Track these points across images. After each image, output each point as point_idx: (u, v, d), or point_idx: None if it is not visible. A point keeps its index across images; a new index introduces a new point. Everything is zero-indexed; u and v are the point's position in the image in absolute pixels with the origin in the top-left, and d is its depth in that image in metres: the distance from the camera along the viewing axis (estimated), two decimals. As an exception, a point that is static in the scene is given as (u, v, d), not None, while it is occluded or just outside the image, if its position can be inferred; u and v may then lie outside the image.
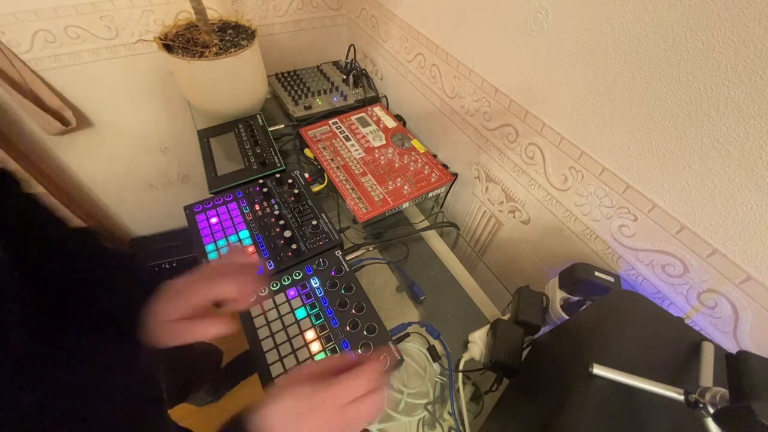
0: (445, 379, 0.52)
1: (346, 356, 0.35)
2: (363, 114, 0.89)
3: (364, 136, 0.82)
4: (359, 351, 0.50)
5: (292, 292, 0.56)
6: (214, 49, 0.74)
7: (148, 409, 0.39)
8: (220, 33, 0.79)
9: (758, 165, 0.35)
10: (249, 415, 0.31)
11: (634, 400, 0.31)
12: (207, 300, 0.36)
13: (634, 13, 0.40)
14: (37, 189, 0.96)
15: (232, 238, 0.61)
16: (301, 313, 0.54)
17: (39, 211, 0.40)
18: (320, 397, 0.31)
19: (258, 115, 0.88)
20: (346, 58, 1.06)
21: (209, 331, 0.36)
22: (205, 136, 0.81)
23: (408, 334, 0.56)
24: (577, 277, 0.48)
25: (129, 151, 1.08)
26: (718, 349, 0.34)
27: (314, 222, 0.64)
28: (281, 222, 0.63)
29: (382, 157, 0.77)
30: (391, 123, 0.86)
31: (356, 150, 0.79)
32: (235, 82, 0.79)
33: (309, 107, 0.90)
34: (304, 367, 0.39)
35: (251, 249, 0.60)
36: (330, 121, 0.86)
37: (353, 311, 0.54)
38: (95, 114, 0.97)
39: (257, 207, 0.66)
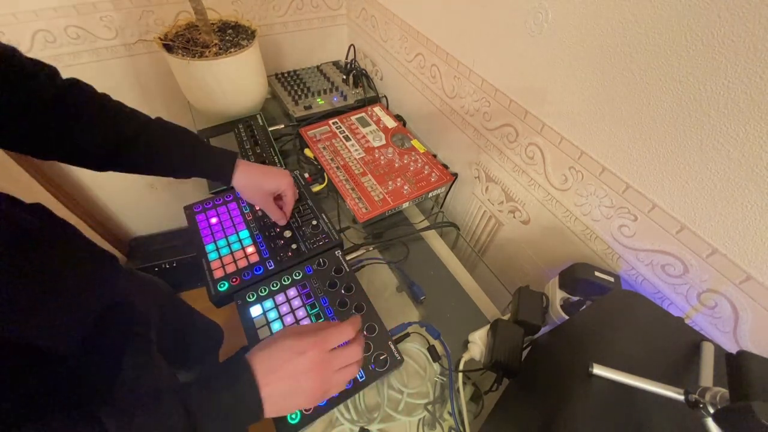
0: (445, 379, 0.52)
1: (326, 321, 0.41)
2: (363, 114, 0.89)
3: (364, 136, 0.82)
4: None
5: (292, 292, 0.56)
6: (214, 49, 0.74)
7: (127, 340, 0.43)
8: (220, 33, 0.79)
9: (758, 165, 0.35)
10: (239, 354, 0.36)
11: (634, 400, 0.31)
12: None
13: (633, 13, 0.40)
14: (38, 189, 0.96)
15: (232, 238, 0.61)
16: (301, 313, 0.54)
17: None
18: (305, 343, 0.36)
19: (258, 115, 0.88)
20: (346, 58, 1.06)
21: None
22: (205, 136, 0.81)
23: (408, 334, 0.56)
24: (577, 277, 0.48)
25: (129, 151, 1.08)
26: (718, 349, 0.34)
27: (314, 222, 0.64)
28: (281, 222, 0.63)
29: (382, 157, 0.77)
30: (391, 123, 0.86)
31: (356, 150, 0.79)
32: (235, 82, 0.79)
33: (309, 107, 0.90)
34: (289, 326, 0.42)
35: (251, 249, 0.60)
36: (330, 121, 0.86)
37: (353, 311, 0.54)
38: (95, 114, 0.97)
39: (257, 207, 0.66)
